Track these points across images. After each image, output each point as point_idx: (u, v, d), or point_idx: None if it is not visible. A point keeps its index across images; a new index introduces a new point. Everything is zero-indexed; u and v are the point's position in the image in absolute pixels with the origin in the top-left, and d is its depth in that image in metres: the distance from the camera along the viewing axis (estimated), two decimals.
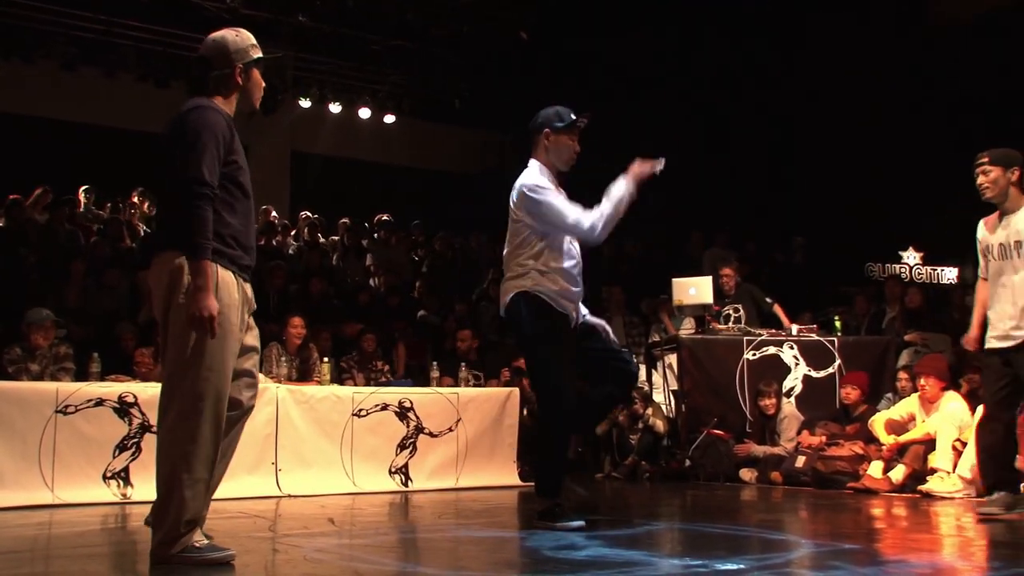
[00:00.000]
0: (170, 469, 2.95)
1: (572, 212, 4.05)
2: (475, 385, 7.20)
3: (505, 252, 4.22)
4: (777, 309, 7.88)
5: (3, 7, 10.15)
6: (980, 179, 4.54)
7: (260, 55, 3.21)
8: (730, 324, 7.68)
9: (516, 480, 6.68)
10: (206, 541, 3.04)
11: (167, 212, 3.12)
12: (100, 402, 5.47)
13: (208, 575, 2.90)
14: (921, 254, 9.05)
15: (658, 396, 7.93)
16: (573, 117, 4.16)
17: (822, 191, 10.65)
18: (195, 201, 2.94)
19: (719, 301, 7.82)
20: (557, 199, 4.07)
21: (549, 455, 4.15)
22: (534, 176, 4.13)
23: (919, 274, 8.91)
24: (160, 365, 3.69)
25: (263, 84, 3.25)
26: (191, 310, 2.92)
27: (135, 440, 5.52)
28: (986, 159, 4.53)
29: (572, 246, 4.17)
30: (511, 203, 4.16)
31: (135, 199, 10.70)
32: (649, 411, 7.25)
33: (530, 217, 4.08)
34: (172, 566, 2.94)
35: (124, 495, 5.44)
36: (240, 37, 3.16)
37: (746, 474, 6.80)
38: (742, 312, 7.77)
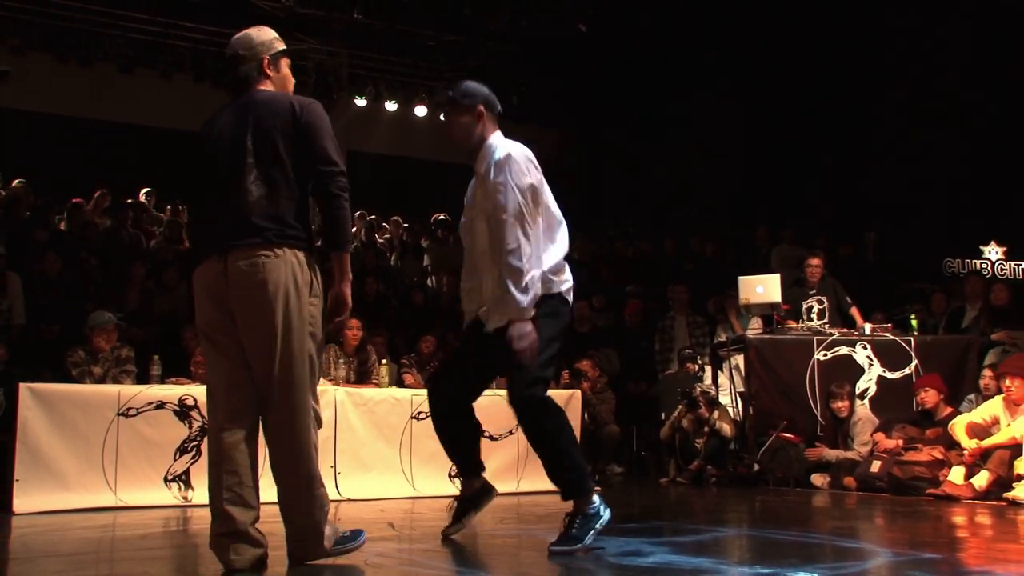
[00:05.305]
0: (309, 467, 2.98)
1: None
2: None
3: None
4: (854, 311, 7.60)
5: (59, 9, 10.33)
6: None
7: (284, 47, 3.27)
8: (813, 317, 7.40)
9: None
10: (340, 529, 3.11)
11: (269, 204, 2.94)
12: (161, 405, 5.55)
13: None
14: (1003, 249, 8.63)
15: (724, 398, 7.74)
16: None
17: (895, 184, 10.29)
18: (343, 194, 2.97)
19: (803, 293, 7.57)
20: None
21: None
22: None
23: (1001, 270, 8.50)
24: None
25: (292, 79, 3.30)
26: (343, 299, 2.95)
27: (195, 443, 5.58)
28: None
29: None
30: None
31: None
32: (715, 414, 7.11)
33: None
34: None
35: (185, 498, 5.50)
36: (262, 32, 3.24)
37: (818, 479, 6.62)
38: (826, 305, 7.47)
